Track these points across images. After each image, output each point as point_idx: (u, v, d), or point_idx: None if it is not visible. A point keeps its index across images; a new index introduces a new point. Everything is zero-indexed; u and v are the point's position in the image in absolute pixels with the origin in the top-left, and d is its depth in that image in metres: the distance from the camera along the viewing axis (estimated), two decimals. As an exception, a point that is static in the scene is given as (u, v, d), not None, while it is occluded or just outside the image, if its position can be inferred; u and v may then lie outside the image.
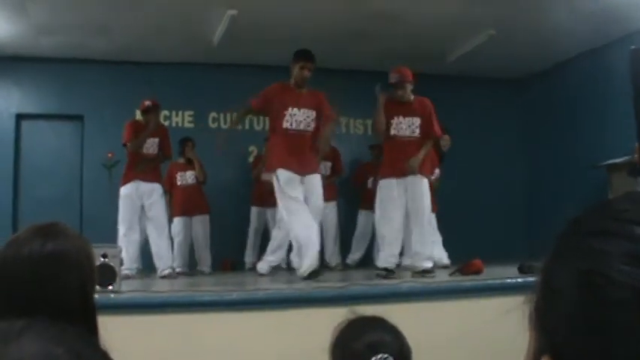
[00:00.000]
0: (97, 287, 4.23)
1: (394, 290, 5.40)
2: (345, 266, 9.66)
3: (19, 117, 10.11)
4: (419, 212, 6.80)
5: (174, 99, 10.21)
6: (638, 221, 0.67)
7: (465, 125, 10.87)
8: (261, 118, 10.39)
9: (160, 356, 4.29)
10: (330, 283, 5.90)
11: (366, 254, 10.13)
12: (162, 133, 8.25)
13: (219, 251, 9.45)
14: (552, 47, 9.84)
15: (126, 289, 5.24)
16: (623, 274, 0.64)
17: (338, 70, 10.62)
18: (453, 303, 5.20)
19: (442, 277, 6.62)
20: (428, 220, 7.02)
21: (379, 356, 1.92)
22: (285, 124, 6.61)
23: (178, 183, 9.31)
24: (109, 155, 9.80)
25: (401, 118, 6.98)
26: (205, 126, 10.52)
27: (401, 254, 7.16)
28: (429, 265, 6.73)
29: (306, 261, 6.27)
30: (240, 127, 10.32)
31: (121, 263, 5.47)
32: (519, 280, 5.47)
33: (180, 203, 9.20)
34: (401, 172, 6.77)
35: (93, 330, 1.68)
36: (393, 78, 7.03)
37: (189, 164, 9.38)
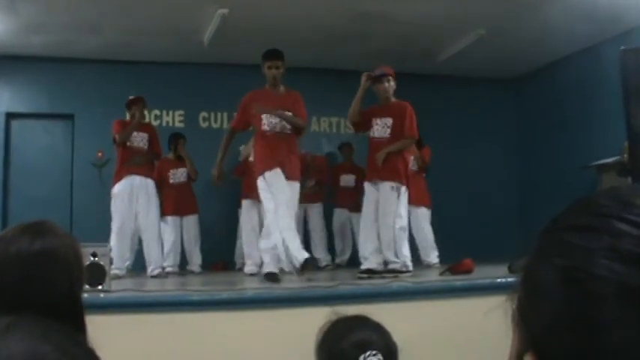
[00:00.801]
0: (87, 286, 4.23)
1: (383, 290, 5.40)
2: (334, 266, 9.66)
3: (9, 116, 10.07)
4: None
5: (164, 98, 10.20)
6: (618, 216, 0.67)
7: (456, 125, 10.90)
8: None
9: (150, 355, 4.29)
10: (320, 283, 5.90)
11: (355, 253, 10.14)
12: (150, 130, 8.27)
13: (208, 251, 9.44)
14: (544, 47, 9.86)
15: (115, 289, 5.23)
16: (604, 269, 0.64)
17: (328, 70, 10.63)
18: (442, 302, 5.20)
19: (432, 277, 6.64)
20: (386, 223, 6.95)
21: (367, 354, 1.92)
22: (264, 127, 6.63)
23: (170, 181, 9.26)
24: (99, 154, 9.79)
25: (377, 120, 7.02)
26: (196, 125, 10.51)
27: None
28: (368, 265, 6.73)
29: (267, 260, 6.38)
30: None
31: (111, 262, 5.46)
32: (509, 279, 5.48)
33: (173, 202, 9.16)
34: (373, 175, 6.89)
35: (81, 328, 1.67)
36: (377, 71, 7.06)
37: (179, 161, 9.35)
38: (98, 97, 10.03)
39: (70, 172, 10.10)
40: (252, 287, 5.71)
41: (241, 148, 9.43)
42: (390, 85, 7.04)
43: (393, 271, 6.64)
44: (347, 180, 10.16)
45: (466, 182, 10.78)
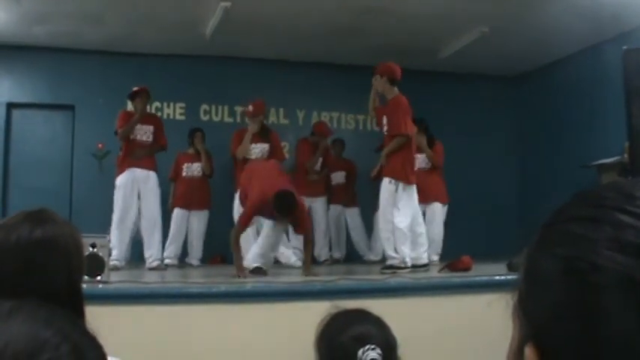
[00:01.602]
0: (86, 277, 4.24)
1: (382, 285, 5.41)
2: (333, 261, 9.66)
3: (10, 106, 10.06)
4: None
5: (165, 90, 10.18)
6: (621, 208, 0.68)
7: (456, 123, 10.89)
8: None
9: (148, 346, 4.29)
10: (319, 277, 5.91)
11: (353, 249, 10.16)
12: (155, 122, 8.27)
13: (209, 244, 9.43)
14: (545, 46, 9.85)
15: (114, 280, 5.23)
16: (607, 260, 0.64)
17: (329, 65, 10.62)
18: (441, 298, 5.21)
19: (430, 273, 6.65)
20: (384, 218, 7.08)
21: (366, 347, 1.92)
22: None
23: (183, 174, 9.30)
24: (100, 146, 9.78)
25: (382, 117, 7.14)
26: (197, 118, 10.49)
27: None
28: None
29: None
30: (230, 119, 10.39)
31: (110, 254, 5.46)
32: (508, 277, 5.48)
33: (182, 195, 9.19)
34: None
35: (80, 316, 1.67)
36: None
37: (197, 155, 9.37)
38: (99, 88, 10.03)
39: (70, 162, 10.09)
40: (251, 280, 5.70)
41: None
42: (379, 82, 7.09)
43: (391, 267, 6.69)
44: (338, 177, 10.16)
45: (466, 180, 10.77)
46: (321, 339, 2.08)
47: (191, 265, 9.12)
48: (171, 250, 8.94)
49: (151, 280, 5.88)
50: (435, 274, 6.54)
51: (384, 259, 9.45)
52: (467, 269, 6.64)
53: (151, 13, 8.65)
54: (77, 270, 1.78)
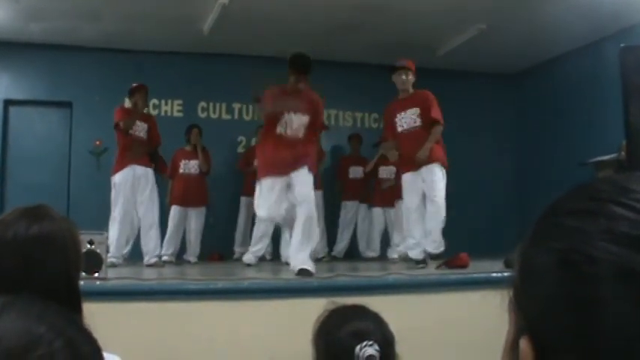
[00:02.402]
0: (83, 274, 4.23)
1: (380, 282, 5.41)
2: (331, 257, 9.65)
3: (7, 103, 10.06)
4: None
5: (163, 88, 10.18)
6: (614, 200, 0.68)
7: (455, 120, 10.86)
8: (251, 108, 10.45)
9: (146, 343, 4.29)
10: (317, 274, 5.91)
11: (351, 245, 10.17)
12: (150, 120, 8.25)
13: (207, 241, 9.44)
14: (544, 43, 9.85)
15: (112, 277, 5.23)
16: (601, 251, 0.65)
17: (327, 62, 10.60)
18: (437, 295, 5.21)
19: (428, 270, 6.65)
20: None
21: (364, 343, 1.92)
22: (279, 130, 6.45)
23: (180, 170, 9.31)
24: (97, 143, 9.78)
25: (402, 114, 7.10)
26: (194, 115, 10.49)
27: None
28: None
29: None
30: (228, 116, 10.39)
31: (107, 250, 5.46)
32: (505, 274, 5.48)
33: (180, 192, 9.19)
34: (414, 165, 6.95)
35: (77, 312, 1.67)
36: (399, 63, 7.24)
37: (194, 152, 9.38)
38: (96, 85, 10.02)
39: (68, 159, 10.08)
40: (248, 277, 5.70)
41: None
42: (410, 78, 7.22)
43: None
44: (355, 172, 10.16)
45: (464, 177, 10.76)
46: (318, 335, 2.08)
47: (189, 262, 9.13)
48: (169, 248, 8.95)
49: (148, 277, 5.88)
50: (432, 271, 6.54)
51: (382, 255, 9.49)
52: (464, 266, 6.65)
53: (148, 9, 8.64)
54: (74, 266, 1.78)
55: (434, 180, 6.91)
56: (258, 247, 7.87)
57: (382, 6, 8.49)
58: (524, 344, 0.70)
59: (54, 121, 10.30)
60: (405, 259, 7.24)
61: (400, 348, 2.08)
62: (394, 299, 4.87)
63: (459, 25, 9.26)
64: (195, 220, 9.35)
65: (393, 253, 9.39)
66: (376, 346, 1.93)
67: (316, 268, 6.16)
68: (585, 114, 9.86)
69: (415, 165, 6.91)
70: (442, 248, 6.91)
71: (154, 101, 10.24)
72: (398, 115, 7.15)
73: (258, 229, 7.79)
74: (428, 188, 6.93)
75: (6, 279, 1.62)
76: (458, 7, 8.52)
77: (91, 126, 9.89)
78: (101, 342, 0.83)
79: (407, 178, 7.10)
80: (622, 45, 6.07)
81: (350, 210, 10.13)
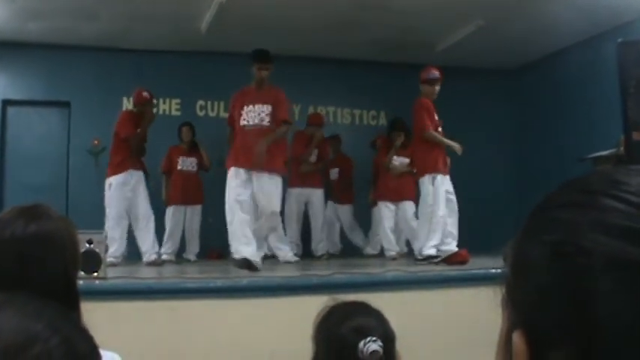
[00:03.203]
0: (82, 273, 4.24)
1: (379, 279, 5.42)
2: (329, 255, 9.63)
3: (6, 103, 10.05)
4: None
5: (161, 86, 10.17)
6: (605, 192, 0.68)
7: (454, 116, 10.84)
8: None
9: (145, 342, 4.29)
10: (315, 272, 5.91)
11: (350, 243, 10.17)
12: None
13: (206, 239, 9.44)
14: (543, 38, 9.85)
15: (111, 276, 5.23)
16: (592, 242, 0.65)
17: (325, 59, 10.61)
18: (437, 292, 5.22)
19: (427, 267, 6.66)
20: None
21: (367, 339, 1.92)
22: (242, 122, 6.91)
23: (179, 167, 9.29)
24: (95, 142, 9.78)
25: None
26: (193, 114, 10.49)
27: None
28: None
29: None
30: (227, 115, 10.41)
31: (106, 250, 5.46)
32: (504, 270, 5.48)
33: (179, 190, 9.18)
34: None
35: (75, 310, 1.67)
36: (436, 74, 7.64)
37: (191, 149, 9.37)
38: (95, 85, 10.02)
39: (66, 159, 10.08)
40: (247, 275, 5.70)
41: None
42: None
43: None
44: (333, 173, 10.13)
45: (463, 173, 10.74)
46: (319, 330, 2.08)
47: (188, 261, 9.13)
48: (169, 246, 8.96)
49: (148, 276, 5.88)
50: (431, 267, 6.54)
51: (382, 252, 9.49)
52: (464, 262, 6.65)
53: (146, 8, 8.64)
54: (72, 264, 1.78)
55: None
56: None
57: (380, 3, 8.49)
58: (517, 338, 0.71)
59: (52, 120, 10.30)
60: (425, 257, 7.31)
61: (400, 344, 2.08)
62: (393, 296, 4.88)
63: (458, 21, 9.25)
64: (194, 218, 9.35)
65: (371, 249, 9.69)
66: (379, 342, 1.93)
67: (314, 266, 6.18)
68: (584, 109, 9.86)
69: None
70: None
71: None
72: (436, 116, 7.63)
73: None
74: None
75: (3, 278, 1.62)
76: (456, 3, 8.51)
77: (89, 125, 9.88)
78: (101, 341, 0.82)
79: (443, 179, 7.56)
80: (619, 40, 6.09)
81: (329, 210, 10.06)
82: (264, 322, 4.66)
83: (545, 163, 10.68)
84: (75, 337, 0.74)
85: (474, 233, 9.33)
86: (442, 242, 7.23)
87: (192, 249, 9.34)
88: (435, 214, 7.29)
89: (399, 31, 9.51)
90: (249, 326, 4.63)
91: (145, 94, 8.16)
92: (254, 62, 6.94)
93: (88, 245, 4.90)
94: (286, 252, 8.05)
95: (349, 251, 10.08)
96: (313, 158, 9.53)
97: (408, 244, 8.96)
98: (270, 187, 6.79)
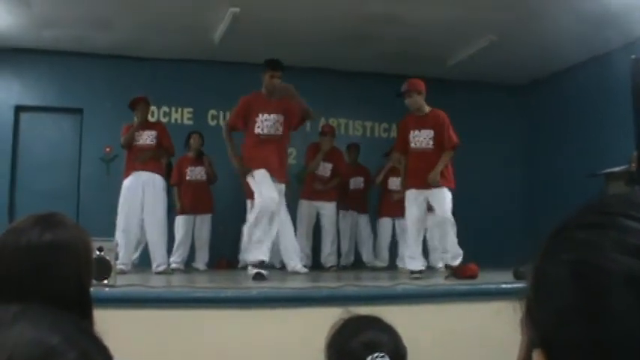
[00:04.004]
0: (93, 281, 4.23)
1: (389, 292, 5.40)
2: (340, 267, 9.62)
3: (19, 109, 10.10)
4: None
5: (174, 95, 10.21)
6: (625, 214, 0.69)
7: (463, 130, 10.84)
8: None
9: (154, 351, 4.29)
10: (325, 283, 5.90)
11: (359, 255, 10.16)
12: (158, 128, 8.26)
13: (215, 249, 9.44)
14: (553, 54, 9.83)
15: (121, 284, 5.23)
16: (612, 262, 0.66)
17: (337, 71, 10.63)
18: (446, 306, 5.20)
19: (437, 280, 6.64)
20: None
21: (375, 355, 1.92)
22: (257, 130, 7.00)
23: (187, 177, 9.29)
24: (107, 149, 9.81)
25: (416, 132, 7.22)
26: (204, 123, 10.51)
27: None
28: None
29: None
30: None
31: (117, 257, 5.46)
32: (514, 285, 5.47)
33: (188, 200, 9.18)
34: (421, 183, 7.06)
35: (88, 319, 1.68)
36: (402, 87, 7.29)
37: (198, 159, 9.38)
38: (107, 93, 10.05)
39: (78, 166, 10.11)
40: (257, 286, 5.69)
41: None
42: (417, 99, 7.28)
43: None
44: (356, 182, 10.14)
45: (472, 187, 10.75)
46: (331, 344, 2.07)
47: (197, 270, 9.12)
48: (179, 255, 8.95)
49: (157, 285, 5.88)
50: (441, 282, 6.52)
51: (391, 265, 9.48)
52: (473, 277, 6.63)
53: (159, 18, 8.67)
54: (86, 273, 1.78)
55: (445, 200, 7.03)
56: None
57: (393, 16, 8.50)
58: (537, 357, 0.71)
59: (64, 127, 10.33)
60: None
61: (410, 359, 2.08)
62: (403, 309, 4.86)
63: (470, 35, 9.25)
64: (203, 227, 9.35)
65: (401, 264, 9.39)
66: (387, 358, 1.92)
67: (324, 278, 6.19)
68: (595, 125, 9.83)
69: (424, 184, 7.00)
70: (461, 258, 6.95)
71: (164, 109, 10.27)
72: (412, 132, 7.23)
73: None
74: (439, 208, 7.04)
75: (18, 286, 1.63)
76: (468, 18, 8.51)
77: (101, 133, 9.92)
78: (110, 349, 0.82)
79: (411, 193, 7.18)
80: (633, 56, 6.08)
81: (349, 219, 10.09)
82: (274, 333, 4.65)
83: (555, 178, 10.65)
84: (91, 350, 0.73)
85: (484, 248, 9.30)
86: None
87: (202, 258, 9.33)
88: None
89: (411, 44, 9.51)
90: (259, 337, 4.62)
91: (136, 96, 8.21)
92: (266, 70, 7.07)
93: (98, 252, 4.91)
94: (296, 263, 8.04)
95: (357, 264, 10.06)
96: (327, 172, 9.49)
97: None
98: (282, 196, 7.04)
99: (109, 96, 10.01)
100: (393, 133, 11.16)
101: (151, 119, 8.56)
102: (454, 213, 7.13)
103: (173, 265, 8.52)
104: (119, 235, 7.50)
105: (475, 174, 10.85)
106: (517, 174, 11.62)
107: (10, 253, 1.69)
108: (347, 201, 10.03)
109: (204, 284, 6.18)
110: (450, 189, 7.11)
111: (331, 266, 9.36)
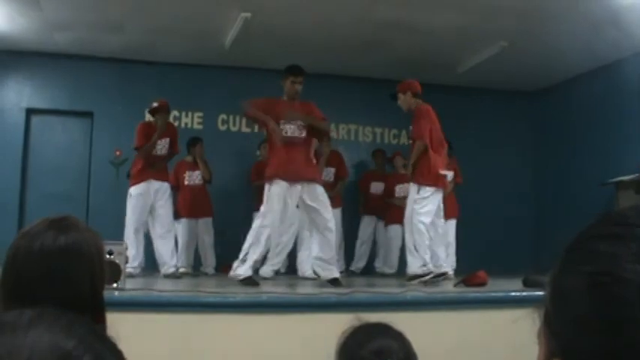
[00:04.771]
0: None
1: (398, 299, 5.39)
2: (349, 273, 9.60)
3: (30, 112, 10.13)
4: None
5: (184, 100, 10.23)
6: None
7: (474, 137, 10.88)
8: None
9: (162, 355, 4.29)
10: (334, 289, 5.90)
11: (369, 261, 10.15)
12: (171, 132, 8.28)
13: (222, 253, 9.44)
14: (564, 62, 9.82)
15: (130, 287, 5.24)
16: (631, 273, 0.66)
17: (348, 77, 10.63)
18: (455, 313, 5.19)
19: (446, 288, 6.62)
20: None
21: None
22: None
23: (186, 182, 9.31)
24: (117, 153, 9.83)
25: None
26: (214, 128, 10.54)
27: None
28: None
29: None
30: (248, 129, 10.41)
31: (126, 261, 5.48)
32: (524, 293, 5.46)
33: (188, 204, 9.20)
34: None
35: (101, 323, 1.68)
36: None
37: (196, 164, 9.37)
38: (118, 96, 10.08)
39: (88, 169, 10.14)
40: (266, 291, 5.69)
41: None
42: (403, 99, 7.34)
43: (415, 276, 6.80)
44: (376, 187, 10.15)
45: (481, 194, 10.74)
46: (341, 351, 2.07)
47: (206, 274, 9.13)
48: (184, 259, 8.98)
49: (167, 289, 5.88)
50: (450, 289, 6.51)
51: (399, 271, 9.46)
52: (482, 284, 6.61)
53: (170, 22, 8.69)
54: (99, 277, 1.79)
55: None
56: (277, 260, 7.96)
57: (404, 23, 8.50)
58: None
59: (75, 130, 10.37)
60: None
61: (419, 366, 2.07)
62: (411, 316, 4.85)
63: (480, 42, 9.24)
64: (206, 231, 9.38)
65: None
66: None
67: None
68: (604, 133, 9.81)
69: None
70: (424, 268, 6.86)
71: (175, 113, 10.29)
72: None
73: (279, 244, 7.80)
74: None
75: (32, 290, 1.63)
76: (479, 25, 8.50)
77: (111, 136, 9.95)
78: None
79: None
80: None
81: (369, 225, 10.13)
82: (282, 338, 4.65)
83: (564, 185, 10.63)
84: (106, 354, 0.73)
85: (493, 255, 9.31)
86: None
87: (209, 262, 9.35)
88: None
89: (421, 51, 9.51)
90: (266, 342, 4.62)
91: (156, 103, 8.19)
92: (288, 75, 6.95)
93: (108, 256, 4.92)
94: (307, 268, 8.06)
95: (365, 270, 10.06)
96: (331, 177, 9.48)
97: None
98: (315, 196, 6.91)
99: (119, 99, 10.05)
100: (403, 139, 11.17)
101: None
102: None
103: (181, 270, 8.54)
104: (129, 239, 7.53)
105: (484, 180, 10.84)
106: (526, 181, 11.60)
107: (23, 257, 1.69)
108: (368, 206, 10.06)
109: (213, 289, 6.18)
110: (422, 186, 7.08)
111: (340, 272, 9.31)
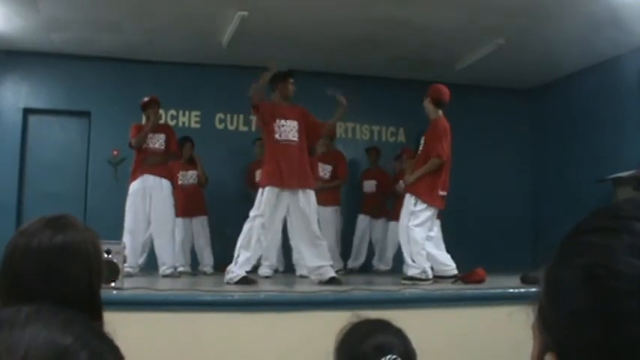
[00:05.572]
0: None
1: (396, 296, 5.40)
2: (346, 271, 9.59)
3: (27, 111, 10.12)
4: None
5: (181, 99, 10.23)
6: (638, 218, 0.70)
7: (472, 134, 10.87)
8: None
9: (160, 353, 4.29)
10: (332, 288, 5.90)
11: (367, 260, 10.15)
12: (167, 130, 8.30)
13: (221, 252, 9.44)
14: (562, 58, 9.81)
15: (128, 286, 5.24)
16: (625, 265, 0.66)
17: (346, 75, 10.62)
18: (454, 310, 5.19)
19: (444, 285, 6.63)
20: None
21: (388, 357, 1.91)
22: (275, 136, 6.90)
23: (179, 182, 9.29)
24: (115, 152, 9.82)
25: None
26: (212, 127, 10.53)
27: None
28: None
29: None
30: (245, 128, 10.41)
31: (124, 260, 5.47)
32: (522, 289, 5.46)
33: (182, 204, 9.19)
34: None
35: (98, 321, 1.68)
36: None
37: (189, 164, 9.37)
38: (115, 96, 10.07)
39: (86, 169, 10.12)
40: (264, 290, 5.69)
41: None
42: (425, 102, 7.36)
43: (412, 278, 6.71)
44: (368, 185, 10.16)
45: (479, 191, 10.75)
46: (340, 348, 2.07)
47: (204, 273, 9.13)
48: (180, 258, 8.95)
49: (165, 287, 5.88)
50: (448, 286, 6.51)
51: (394, 269, 9.46)
52: (481, 281, 6.62)
53: (168, 21, 8.68)
54: (97, 276, 1.79)
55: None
56: (272, 259, 8.01)
57: (401, 21, 8.49)
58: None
59: (72, 130, 10.35)
60: None
61: (418, 363, 2.07)
62: (410, 313, 4.85)
63: (479, 40, 9.24)
64: (201, 230, 9.37)
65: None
66: None
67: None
68: (603, 130, 9.81)
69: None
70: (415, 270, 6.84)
71: (172, 112, 10.28)
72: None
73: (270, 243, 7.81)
74: None
75: (29, 288, 1.63)
76: (477, 22, 8.50)
77: (109, 136, 9.93)
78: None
79: None
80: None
81: (362, 222, 10.12)
82: (280, 336, 4.65)
83: (562, 182, 10.63)
84: (103, 350, 0.73)
85: (491, 253, 9.31)
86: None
87: (207, 261, 9.34)
88: None
89: (419, 49, 9.51)
90: (265, 341, 4.62)
91: (146, 98, 8.22)
92: (286, 78, 7.11)
93: (106, 255, 4.91)
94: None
95: (363, 267, 10.06)
96: (326, 174, 9.48)
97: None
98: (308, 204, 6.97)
99: (116, 99, 10.03)
100: (401, 137, 11.18)
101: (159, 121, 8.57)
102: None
103: (180, 269, 8.53)
104: (126, 238, 7.52)
105: (482, 178, 10.85)
106: (524, 178, 11.60)
107: (21, 255, 1.70)
108: (362, 204, 10.07)
109: (211, 287, 6.18)
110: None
111: (337, 270, 9.31)
